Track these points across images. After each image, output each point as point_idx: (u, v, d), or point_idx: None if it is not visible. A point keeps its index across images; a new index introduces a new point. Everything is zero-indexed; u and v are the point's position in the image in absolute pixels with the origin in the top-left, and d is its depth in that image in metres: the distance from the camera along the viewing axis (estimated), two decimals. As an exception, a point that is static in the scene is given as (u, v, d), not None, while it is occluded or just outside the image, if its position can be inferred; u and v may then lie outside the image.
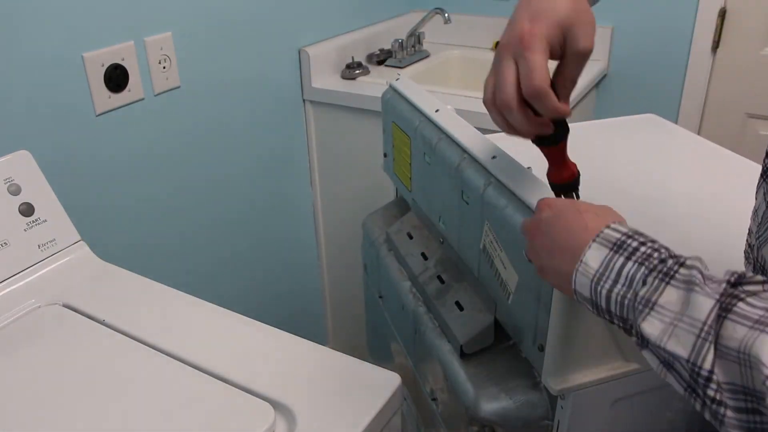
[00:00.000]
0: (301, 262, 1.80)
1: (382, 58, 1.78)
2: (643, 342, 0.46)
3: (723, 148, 1.18)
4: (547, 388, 0.74)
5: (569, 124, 0.64)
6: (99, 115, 1.15)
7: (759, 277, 0.44)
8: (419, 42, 1.84)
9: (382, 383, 0.70)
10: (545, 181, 0.77)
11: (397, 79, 1.12)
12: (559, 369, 0.73)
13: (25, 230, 0.88)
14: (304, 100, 1.65)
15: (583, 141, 1.23)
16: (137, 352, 0.75)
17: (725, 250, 0.92)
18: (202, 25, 1.31)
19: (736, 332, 0.41)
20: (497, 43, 2.05)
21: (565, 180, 0.68)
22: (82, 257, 0.92)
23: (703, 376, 0.42)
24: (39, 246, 0.89)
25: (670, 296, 0.45)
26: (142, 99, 1.22)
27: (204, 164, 1.40)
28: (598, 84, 1.79)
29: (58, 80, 1.07)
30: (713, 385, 0.41)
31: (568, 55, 0.58)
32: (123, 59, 1.16)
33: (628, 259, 0.48)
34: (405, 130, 1.04)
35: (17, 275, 0.86)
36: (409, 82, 1.10)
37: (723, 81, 1.69)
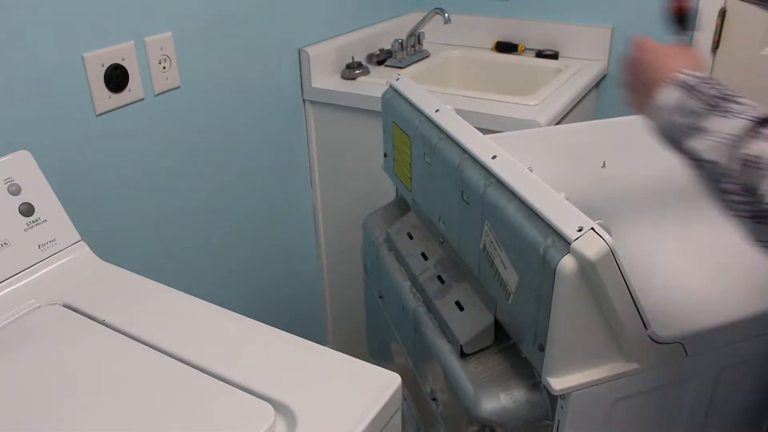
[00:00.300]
0: (301, 262, 1.80)
1: (382, 58, 1.78)
2: (690, 156, 0.59)
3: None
4: (547, 388, 0.74)
5: None
6: (99, 115, 1.15)
7: None
8: (419, 42, 1.84)
9: (382, 383, 0.70)
10: (546, 180, 0.77)
11: (397, 79, 1.12)
12: (559, 369, 0.73)
13: (25, 230, 0.88)
14: (304, 100, 1.65)
15: (583, 141, 1.23)
16: (137, 352, 0.75)
17: (725, 250, 0.92)
18: (202, 25, 1.31)
19: (756, 146, 0.53)
20: (497, 43, 2.05)
21: (675, 10, 0.78)
22: (82, 257, 0.92)
23: (728, 176, 0.55)
24: (39, 246, 0.89)
25: (716, 122, 0.57)
26: (142, 99, 1.22)
27: (204, 164, 1.40)
28: (598, 84, 1.79)
29: (58, 80, 1.07)
30: (734, 184, 0.54)
31: None
32: (123, 59, 1.16)
33: (695, 97, 0.60)
34: (405, 130, 1.04)
35: (17, 275, 0.86)
36: (409, 82, 1.10)
37: (723, 81, 1.69)
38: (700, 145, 0.58)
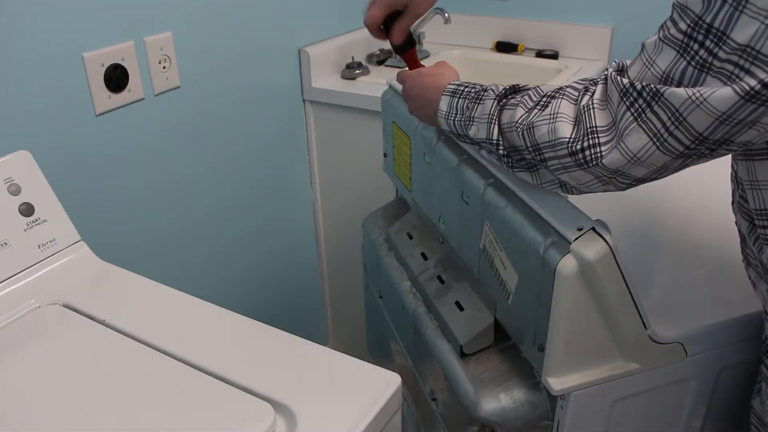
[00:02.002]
0: (301, 262, 1.80)
1: (382, 58, 1.78)
2: (473, 142, 0.75)
3: (723, 148, 1.18)
4: (547, 389, 0.74)
5: None
6: (99, 115, 1.15)
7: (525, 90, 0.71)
8: (419, 42, 1.84)
9: (382, 383, 0.70)
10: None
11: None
12: (559, 369, 0.73)
13: (25, 230, 0.88)
14: (304, 100, 1.65)
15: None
16: (137, 352, 0.75)
17: (725, 250, 0.92)
18: (202, 25, 1.31)
19: (504, 116, 0.69)
20: (497, 43, 2.05)
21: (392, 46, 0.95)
22: (82, 257, 0.92)
23: (495, 145, 0.71)
24: (39, 246, 0.89)
25: (477, 109, 0.73)
26: (142, 99, 1.22)
27: (204, 164, 1.40)
28: (598, 84, 1.79)
29: (58, 80, 1.07)
30: (501, 149, 0.70)
31: (406, 11, 0.95)
32: (123, 59, 1.16)
33: (461, 98, 0.76)
34: (405, 130, 1.04)
35: (17, 275, 0.86)
36: (409, 82, 1.10)
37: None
38: (472, 131, 0.74)
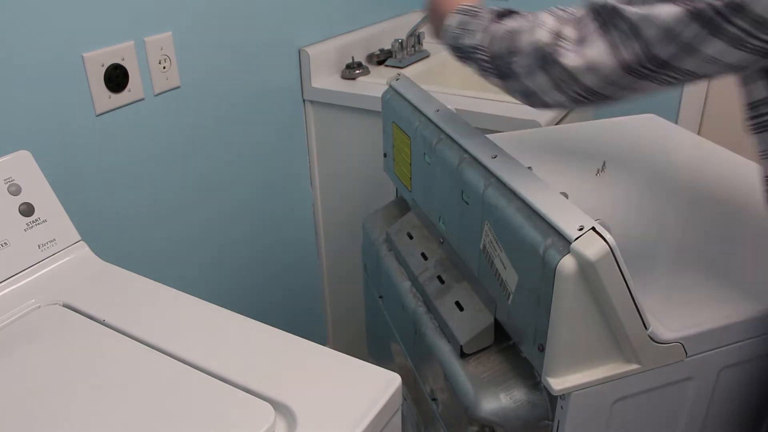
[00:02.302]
0: (301, 262, 1.80)
1: (382, 58, 1.78)
2: (462, 51, 0.85)
3: (723, 148, 1.18)
4: (547, 389, 0.74)
5: None
6: (99, 115, 1.15)
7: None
8: (419, 42, 1.84)
9: (382, 383, 0.70)
10: (546, 179, 0.77)
11: (397, 79, 1.12)
12: (559, 369, 0.73)
13: (25, 230, 0.88)
14: (304, 100, 1.65)
15: (584, 141, 1.23)
16: (137, 352, 0.75)
17: (725, 249, 0.92)
18: (202, 25, 1.31)
19: (496, 27, 0.79)
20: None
21: None
22: (82, 257, 0.92)
23: (479, 49, 0.81)
24: (39, 246, 0.89)
25: (473, 23, 0.83)
26: (142, 99, 1.22)
27: (204, 164, 1.40)
28: (598, 84, 1.79)
29: (58, 80, 1.07)
30: (485, 54, 0.80)
31: None
32: (123, 59, 1.16)
33: (465, 15, 0.85)
34: (405, 130, 1.04)
35: (17, 275, 0.86)
36: (409, 82, 1.10)
37: (723, 81, 1.69)
38: (466, 39, 0.83)
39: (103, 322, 0.80)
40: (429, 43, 1.94)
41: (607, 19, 0.66)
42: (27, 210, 0.88)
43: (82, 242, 0.93)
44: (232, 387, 0.69)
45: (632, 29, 0.63)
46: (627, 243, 0.94)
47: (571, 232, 0.67)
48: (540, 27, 0.72)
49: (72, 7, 1.06)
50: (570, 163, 1.11)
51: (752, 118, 0.72)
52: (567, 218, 0.69)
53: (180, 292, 0.86)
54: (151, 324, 0.80)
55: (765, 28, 0.58)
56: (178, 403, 0.68)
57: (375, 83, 1.62)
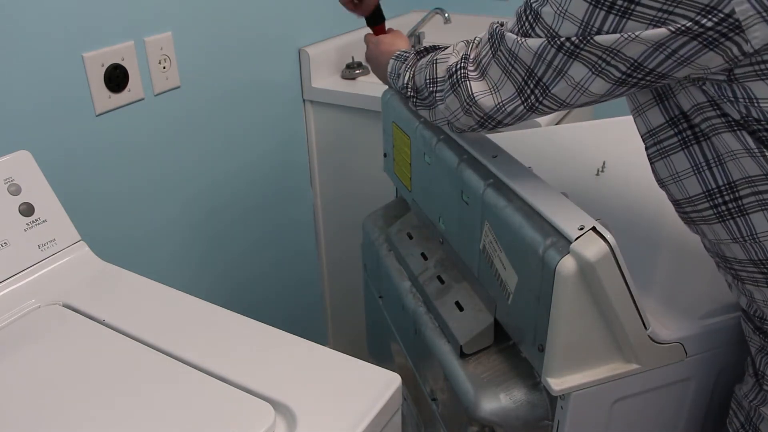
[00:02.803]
0: (301, 261, 1.80)
1: (382, 58, 1.78)
2: (399, 92, 0.93)
3: (723, 148, 1.18)
4: (547, 388, 0.74)
5: None
6: (99, 115, 1.15)
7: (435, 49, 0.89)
8: (419, 42, 1.84)
9: (382, 383, 0.70)
10: (546, 179, 0.77)
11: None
12: (559, 369, 0.73)
13: (25, 230, 0.88)
14: (304, 100, 1.65)
15: (583, 141, 1.23)
16: (137, 352, 0.75)
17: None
18: (202, 25, 1.31)
19: (417, 64, 0.87)
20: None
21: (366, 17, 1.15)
22: (82, 257, 0.92)
23: (407, 87, 0.89)
24: (39, 246, 0.89)
25: (403, 66, 0.92)
26: (142, 99, 1.22)
27: (204, 164, 1.40)
28: (598, 84, 1.79)
29: (58, 80, 1.07)
30: (410, 91, 0.88)
31: None
32: (123, 59, 1.16)
33: (398, 61, 0.94)
34: (405, 130, 1.04)
35: (17, 275, 0.86)
36: (409, 82, 1.10)
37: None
38: (399, 81, 0.91)
39: (103, 322, 0.80)
40: (429, 43, 1.94)
41: (495, 50, 0.69)
42: (27, 210, 0.88)
43: (82, 242, 0.93)
44: (232, 387, 0.69)
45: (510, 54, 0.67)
46: (627, 243, 0.94)
47: (571, 232, 0.67)
48: (454, 54, 0.77)
49: (72, 7, 1.06)
50: (570, 163, 1.11)
51: (653, 145, 0.70)
52: (567, 218, 0.69)
53: (180, 291, 0.86)
54: (151, 324, 0.80)
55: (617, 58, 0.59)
56: (178, 403, 0.68)
57: (375, 83, 1.62)
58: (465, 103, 0.74)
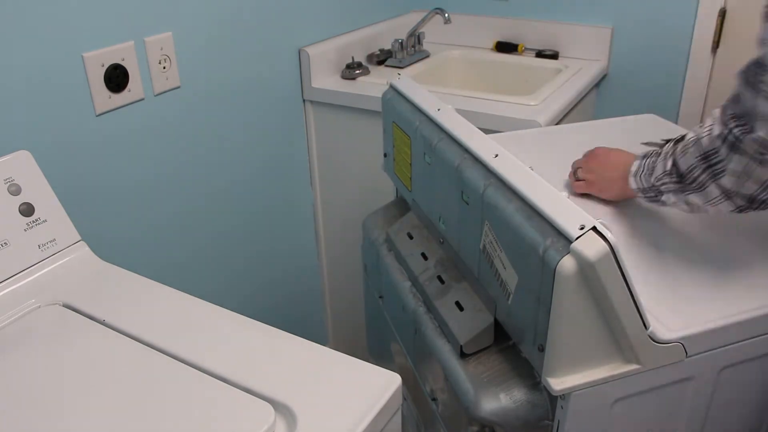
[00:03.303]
0: (301, 262, 1.80)
1: (382, 58, 1.78)
2: (654, 186, 0.88)
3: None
4: (547, 388, 0.74)
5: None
6: (99, 115, 1.15)
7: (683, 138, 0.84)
8: (419, 42, 1.84)
9: (382, 383, 0.70)
10: (546, 180, 0.77)
11: (398, 78, 1.12)
12: (558, 369, 0.73)
13: (25, 230, 0.88)
14: (304, 100, 1.65)
15: (584, 141, 1.23)
16: (137, 352, 0.75)
17: (725, 250, 0.92)
18: (202, 25, 1.31)
19: (677, 148, 0.83)
20: (497, 43, 2.05)
21: None
22: (82, 257, 0.92)
23: (669, 173, 0.84)
24: (39, 246, 0.89)
25: (658, 159, 0.87)
26: (142, 99, 1.22)
27: (204, 164, 1.40)
28: (598, 84, 1.80)
29: (58, 80, 1.07)
30: (675, 176, 0.83)
31: None
32: (123, 59, 1.16)
33: (648, 158, 0.89)
34: (405, 130, 1.04)
35: (17, 275, 0.86)
36: (410, 81, 1.10)
37: (723, 81, 1.69)
38: (654, 174, 0.87)
39: (103, 322, 0.80)
40: (429, 43, 1.94)
41: (753, 80, 0.71)
42: (27, 210, 0.88)
43: (82, 242, 0.93)
44: (232, 387, 0.69)
45: None
46: (627, 243, 0.94)
47: (572, 231, 0.67)
48: (715, 124, 0.76)
49: (72, 7, 1.06)
50: (570, 163, 1.11)
51: None
52: (567, 218, 0.69)
53: (180, 291, 0.86)
54: (151, 324, 0.80)
55: None
56: (178, 403, 0.68)
57: (375, 83, 1.62)
58: (756, 152, 0.72)
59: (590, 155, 1.05)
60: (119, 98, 1.17)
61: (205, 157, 1.40)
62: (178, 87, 1.29)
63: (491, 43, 1.91)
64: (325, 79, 1.64)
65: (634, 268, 0.87)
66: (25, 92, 1.03)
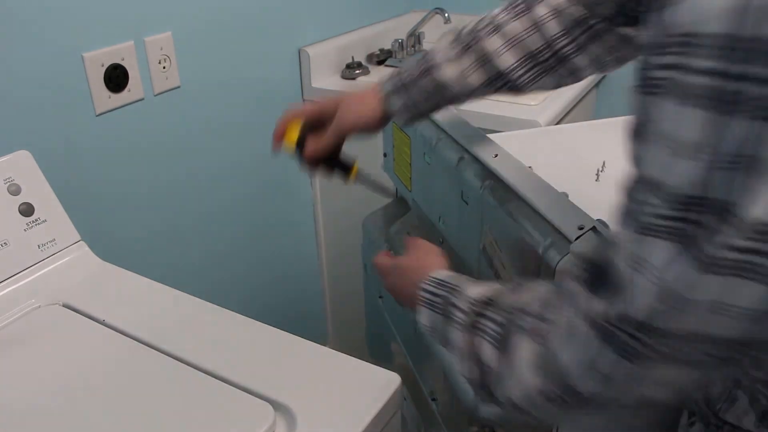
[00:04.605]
0: (301, 262, 1.80)
1: (382, 58, 1.78)
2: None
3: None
4: (547, 388, 0.74)
5: None
6: (99, 115, 1.15)
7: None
8: (419, 42, 1.84)
9: (382, 383, 0.70)
10: (546, 179, 0.77)
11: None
12: (559, 369, 0.73)
13: (25, 230, 0.88)
14: (304, 100, 1.65)
15: (584, 141, 1.23)
16: (137, 352, 0.75)
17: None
18: (202, 25, 1.31)
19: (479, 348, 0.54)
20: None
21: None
22: (82, 257, 0.92)
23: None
24: (39, 246, 0.89)
25: (449, 332, 0.59)
26: (142, 99, 1.22)
27: (204, 164, 1.40)
28: (598, 84, 1.79)
29: (58, 80, 1.07)
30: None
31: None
32: (123, 59, 1.16)
33: (434, 311, 0.62)
34: (405, 130, 1.04)
35: (17, 275, 0.86)
36: (409, 82, 1.10)
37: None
38: (456, 362, 0.58)
39: (103, 322, 0.80)
40: (429, 43, 1.94)
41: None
42: (27, 210, 0.88)
43: (82, 242, 0.93)
44: (232, 387, 0.69)
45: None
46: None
47: (571, 231, 0.67)
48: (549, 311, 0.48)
49: (72, 7, 1.06)
50: (570, 163, 1.11)
51: None
52: (567, 218, 0.69)
53: (180, 291, 0.86)
54: (150, 324, 0.80)
55: None
56: (178, 403, 0.68)
57: (375, 83, 1.62)
58: (662, 299, 0.39)
59: (381, 274, 0.77)
60: (119, 98, 1.17)
61: (205, 156, 1.40)
62: (178, 87, 1.29)
63: (491, 43, 1.91)
64: (325, 79, 1.64)
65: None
66: (25, 92, 1.03)
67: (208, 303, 0.84)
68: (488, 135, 0.90)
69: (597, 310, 0.43)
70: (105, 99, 1.15)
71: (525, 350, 0.48)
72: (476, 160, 0.85)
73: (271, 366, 0.73)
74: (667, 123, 0.37)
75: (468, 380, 0.56)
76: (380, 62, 1.78)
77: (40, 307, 0.84)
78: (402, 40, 1.77)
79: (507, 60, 0.72)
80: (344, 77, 1.66)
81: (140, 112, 1.22)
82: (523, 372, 0.48)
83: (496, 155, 0.83)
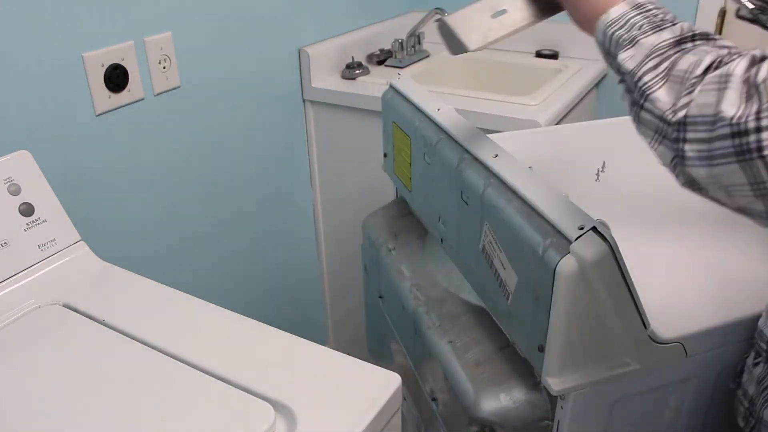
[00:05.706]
0: (301, 262, 1.80)
1: (382, 58, 1.78)
2: (614, 65, 0.61)
3: (723, 148, 1.18)
4: (547, 388, 0.74)
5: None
6: (99, 115, 1.15)
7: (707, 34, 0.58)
8: (419, 42, 1.84)
9: (382, 383, 0.70)
10: (546, 179, 0.77)
11: (398, 78, 1.12)
12: (558, 369, 0.73)
13: (25, 230, 0.88)
14: (304, 100, 1.65)
15: (584, 141, 1.23)
16: (137, 352, 0.75)
17: (725, 250, 0.92)
18: (202, 25, 1.31)
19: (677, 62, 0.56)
20: (497, 43, 2.01)
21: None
22: (82, 257, 0.92)
23: (637, 84, 0.57)
24: (39, 246, 0.89)
25: (650, 37, 0.59)
26: (142, 99, 1.22)
27: (204, 164, 1.40)
28: (598, 84, 1.79)
29: (58, 80, 1.07)
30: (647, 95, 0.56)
31: None
32: (123, 59, 1.16)
33: (641, 13, 0.61)
34: (405, 130, 1.04)
35: (17, 275, 0.86)
36: (410, 81, 1.10)
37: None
38: (626, 54, 0.60)
39: (103, 322, 0.80)
40: (429, 43, 1.94)
41: None
42: (27, 210, 0.88)
43: (82, 242, 0.93)
44: (232, 387, 0.69)
45: None
46: (627, 243, 0.94)
47: (571, 232, 0.67)
48: (731, 88, 0.51)
49: (72, 7, 1.06)
50: (570, 163, 1.11)
51: None
52: (567, 218, 0.69)
53: (180, 292, 0.86)
54: (151, 324, 0.80)
55: None
56: (178, 403, 0.68)
57: (375, 83, 1.62)
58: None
59: None
60: (119, 98, 1.17)
61: (205, 156, 1.40)
62: (178, 87, 1.29)
63: (491, 43, 1.91)
64: (325, 79, 1.64)
65: (634, 268, 0.87)
66: (25, 92, 1.03)
67: (208, 303, 0.84)
68: (488, 135, 0.90)
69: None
70: (105, 99, 1.15)
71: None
72: (476, 160, 0.85)
73: (271, 366, 0.73)
74: None
75: (628, 73, 0.58)
76: (380, 62, 1.78)
77: (40, 307, 0.84)
78: (402, 40, 1.77)
79: None
80: (344, 77, 1.66)
81: (140, 112, 1.22)
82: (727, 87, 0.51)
83: (497, 155, 0.83)
